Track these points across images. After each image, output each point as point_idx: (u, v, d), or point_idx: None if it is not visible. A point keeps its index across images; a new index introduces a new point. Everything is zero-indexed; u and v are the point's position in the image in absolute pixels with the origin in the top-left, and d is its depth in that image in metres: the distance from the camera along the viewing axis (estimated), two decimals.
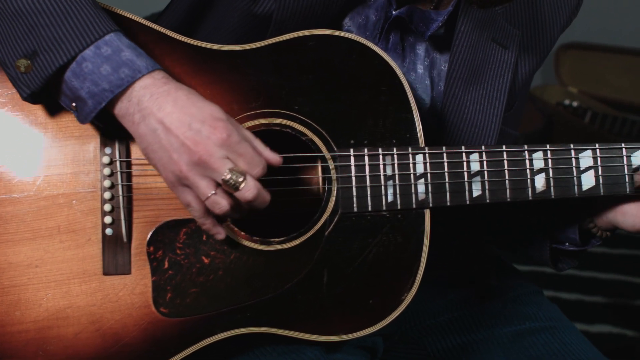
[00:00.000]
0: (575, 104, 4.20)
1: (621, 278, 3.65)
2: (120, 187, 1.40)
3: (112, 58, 1.30)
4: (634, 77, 4.35)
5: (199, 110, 1.30)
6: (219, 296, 1.41)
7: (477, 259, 1.77)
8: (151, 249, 1.41)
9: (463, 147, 1.44)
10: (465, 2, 1.52)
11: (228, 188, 1.29)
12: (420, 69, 1.59)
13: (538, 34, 1.64)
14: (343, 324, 1.42)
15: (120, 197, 1.40)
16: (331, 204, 1.42)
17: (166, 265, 1.41)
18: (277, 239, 1.42)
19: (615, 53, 4.39)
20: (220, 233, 1.37)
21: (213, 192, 1.29)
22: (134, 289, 1.41)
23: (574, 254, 1.66)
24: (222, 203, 1.30)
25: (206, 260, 1.41)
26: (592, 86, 4.39)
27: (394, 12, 1.53)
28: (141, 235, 1.41)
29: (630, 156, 1.48)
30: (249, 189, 1.29)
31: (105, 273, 1.40)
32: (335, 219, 1.42)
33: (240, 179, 1.28)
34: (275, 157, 1.34)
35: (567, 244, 1.63)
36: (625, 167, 1.48)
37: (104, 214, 1.40)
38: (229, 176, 1.28)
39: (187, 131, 1.28)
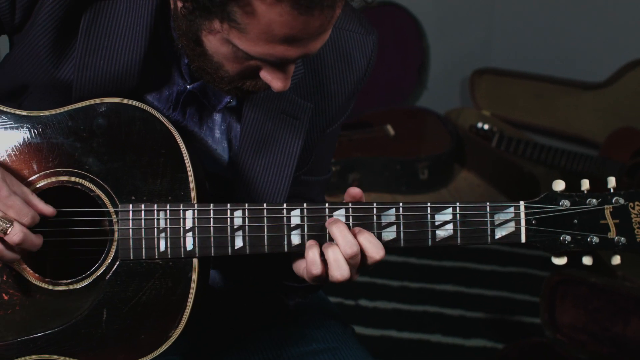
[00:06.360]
0: (486, 126, 4.33)
1: (505, 295, 3.82)
2: None
3: None
4: (543, 102, 4.50)
5: None
6: (15, 328, 1.64)
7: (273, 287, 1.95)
8: None
9: (228, 205, 1.66)
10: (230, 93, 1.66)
11: None
12: (217, 133, 1.79)
13: (326, 104, 1.83)
14: (118, 355, 1.65)
15: None
16: (112, 252, 1.65)
17: None
18: (65, 281, 1.65)
19: (527, 79, 4.54)
20: None
21: None
22: None
23: (296, 289, 1.84)
24: None
25: (5, 297, 1.64)
26: (504, 110, 4.53)
27: (188, 87, 1.73)
28: None
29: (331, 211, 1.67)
30: (15, 234, 1.53)
31: None
32: (115, 266, 1.65)
33: (7, 225, 1.53)
34: (47, 209, 1.59)
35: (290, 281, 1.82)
36: (375, 224, 1.68)
37: None
38: None
39: None
